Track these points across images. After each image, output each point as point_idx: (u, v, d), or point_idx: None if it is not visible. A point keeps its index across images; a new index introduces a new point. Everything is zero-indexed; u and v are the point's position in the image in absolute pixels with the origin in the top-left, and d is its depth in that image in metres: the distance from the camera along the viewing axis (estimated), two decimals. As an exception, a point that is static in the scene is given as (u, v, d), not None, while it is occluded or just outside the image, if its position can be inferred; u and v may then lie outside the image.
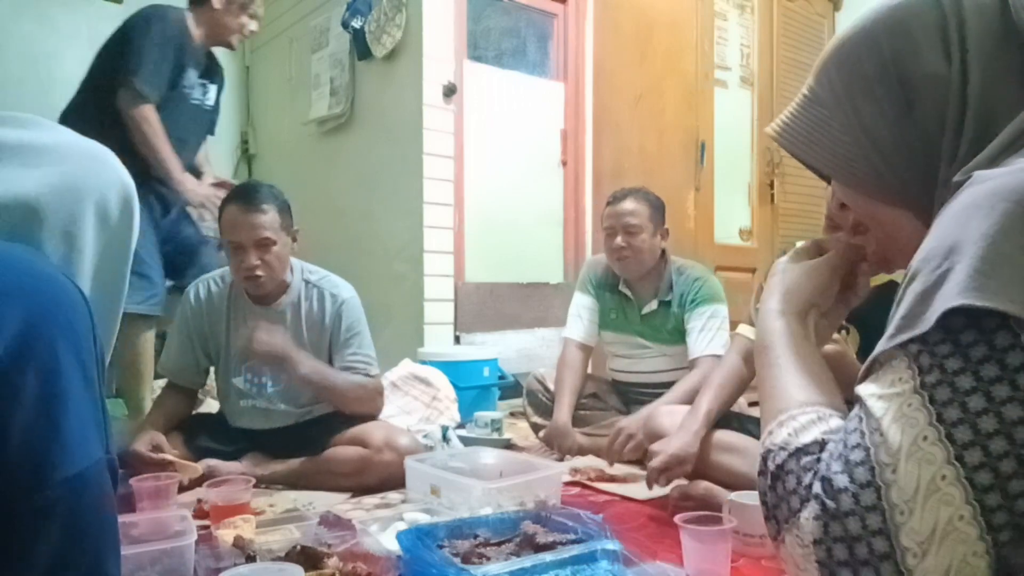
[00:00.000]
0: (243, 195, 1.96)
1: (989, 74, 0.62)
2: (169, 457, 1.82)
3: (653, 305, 2.35)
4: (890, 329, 0.55)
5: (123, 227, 0.76)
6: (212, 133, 2.84)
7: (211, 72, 2.72)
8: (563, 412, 2.31)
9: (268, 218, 1.92)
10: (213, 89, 2.73)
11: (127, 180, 0.76)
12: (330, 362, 2.06)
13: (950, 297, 0.51)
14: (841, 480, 0.54)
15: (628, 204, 2.29)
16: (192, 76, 2.60)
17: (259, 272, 1.92)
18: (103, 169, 0.75)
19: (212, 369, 2.17)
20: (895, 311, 0.56)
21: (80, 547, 0.57)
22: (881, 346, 0.55)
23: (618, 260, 2.33)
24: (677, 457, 1.66)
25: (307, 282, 2.08)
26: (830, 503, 0.54)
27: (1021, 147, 0.59)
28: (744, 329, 1.82)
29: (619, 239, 2.28)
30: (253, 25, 2.70)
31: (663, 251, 2.37)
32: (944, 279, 0.52)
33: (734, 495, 1.46)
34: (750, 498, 1.42)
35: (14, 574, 0.54)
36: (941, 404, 0.51)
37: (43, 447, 0.55)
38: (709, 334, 2.22)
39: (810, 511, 0.55)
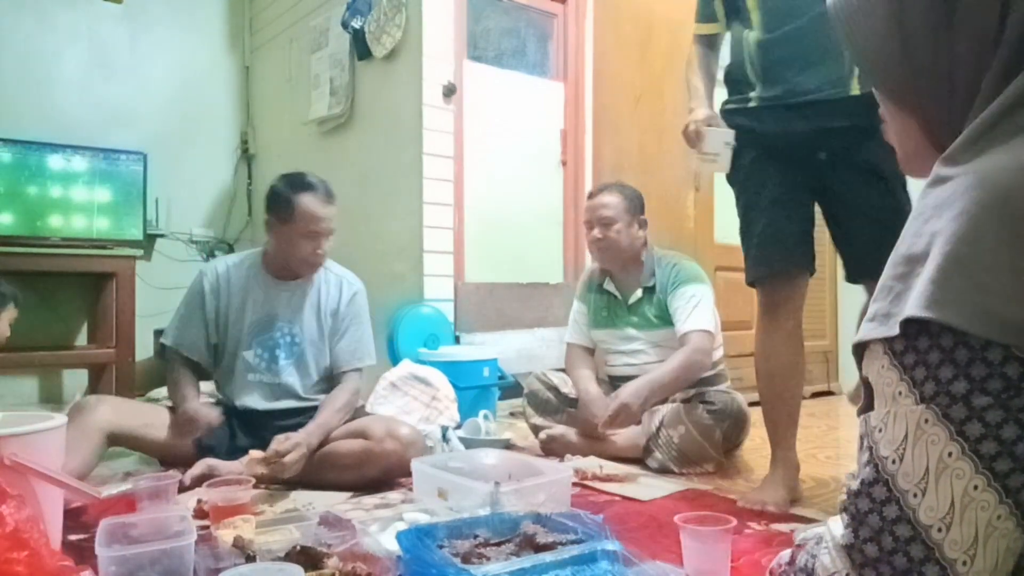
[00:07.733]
0: (319, 188, 2.10)
1: None
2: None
3: (638, 293, 2.43)
4: (862, 330, 0.62)
5: None
6: None
7: None
8: (590, 385, 2.38)
9: (337, 211, 2.13)
10: None
11: None
12: (329, 346, 2.18)
13: (909, 307, 0.57)
14: (856, 485, 0.62)
15: (603, 198, 2.42)
16: None
17: (323, 259, 2.13)
18: None
19: (211, 361, 2.18)
20: (872, 308, 0.62)
21: None
22: (858, 336, 0.63)
23: (597, 251, 2.45)
24: None
25: (325, 269, 2.22)
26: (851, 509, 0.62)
27: (999, 133, 0.59)
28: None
29: (595, 231, 2.40)
30: None
31: (645, 242, 2.45)
32: (910, 287, 0.58)
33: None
34: None
35: None
36: (930, 397, 0.57)
37: None
38: (694, 311, 2.30)
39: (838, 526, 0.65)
